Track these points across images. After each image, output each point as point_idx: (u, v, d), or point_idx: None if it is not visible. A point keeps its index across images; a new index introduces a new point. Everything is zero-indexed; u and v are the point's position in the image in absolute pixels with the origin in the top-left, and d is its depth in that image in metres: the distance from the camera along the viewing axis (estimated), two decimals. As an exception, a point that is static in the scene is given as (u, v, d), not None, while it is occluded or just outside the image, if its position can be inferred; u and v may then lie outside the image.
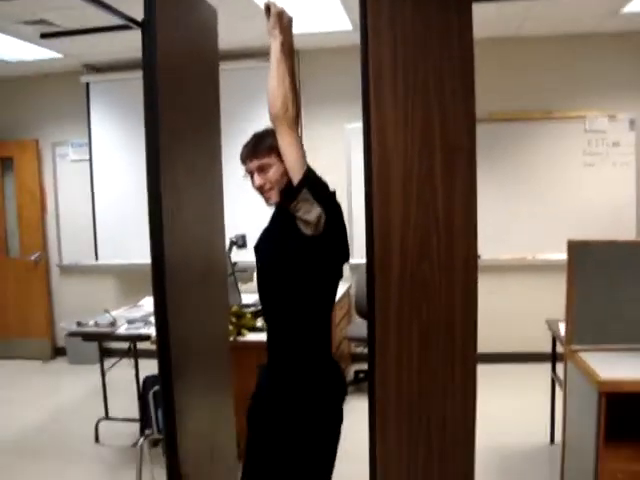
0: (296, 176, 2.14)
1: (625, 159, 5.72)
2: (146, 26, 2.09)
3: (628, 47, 5.66)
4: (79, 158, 6.68)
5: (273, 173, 2.23)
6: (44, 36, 3.13)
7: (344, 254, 2.31)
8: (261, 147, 2.25)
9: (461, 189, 1.92)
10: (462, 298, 1.96)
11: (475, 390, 2.02)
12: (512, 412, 4.72)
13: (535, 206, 5.81)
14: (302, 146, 2.22)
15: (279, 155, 2.20)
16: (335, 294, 2.35)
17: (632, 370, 2.82)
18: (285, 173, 2.21)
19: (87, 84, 6.45)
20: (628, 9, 4.82)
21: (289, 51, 2.30)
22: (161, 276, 2.19)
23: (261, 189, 2.26)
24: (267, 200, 2.29)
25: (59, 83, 6.65)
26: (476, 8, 4.40)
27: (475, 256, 1.95)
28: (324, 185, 2.22)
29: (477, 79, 5.74)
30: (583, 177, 5.75)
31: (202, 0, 2.52)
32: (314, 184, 2.15)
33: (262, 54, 5.79)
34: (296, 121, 2.25)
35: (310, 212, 2.10)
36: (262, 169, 2.24)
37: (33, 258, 6.83)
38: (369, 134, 1.92)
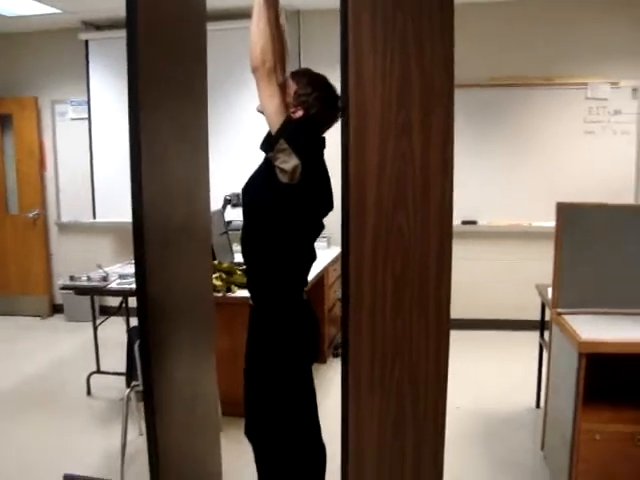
0: (274, 127, 2.17)
1: (626, 127, 5.66)
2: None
3: (634, 13, 5.56)
4: (78, 116, 6.67)
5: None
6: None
7: (326, 204, 2.37)
8: (294, 73, 2.40)
9: (438, 139, 1.90)
10: (437, 249, 1.95)
11: (448, 343, 2.03)
12: (501, 378, 4.76)
13: (533, 173, 5.77)
14: (283, 97, 2.23)
15: (296, 86, 2.31)
16: (312, 242, 2.48)
17: (614, 332, 2.83)
18: (282, 99, 2.27)
19: (86, 41, 6.41)
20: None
21: (273, 0, 2.29)
22: (140, 227, 2.19)
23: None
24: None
25: (58, 40, 6.60)
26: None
27: (450, 209, 1.94)
28: (305, 136, 2.23)
29: (479, 43, 5.74)
30: (583, 145, 5.70)
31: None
32: (293, 135, 2.18)
33: (246, 15, 5.75)
34: (280, 70, 2.26)
35: (287, 162, 2.16)
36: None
37: (32, 215, 6.86)
38: (347, 84, 1.90)
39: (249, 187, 2.43)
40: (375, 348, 2.01)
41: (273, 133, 2.20)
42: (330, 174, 2.41)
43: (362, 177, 1.91)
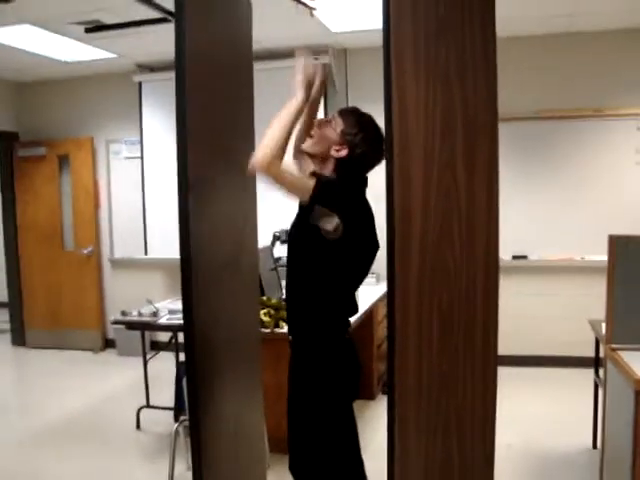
0: (306, 199, 2.20)
1: (680, 158, 5.52)
2: (176, 17, 2.13)
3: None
4: (131, 155, 6.88)
5: (324, 131, 2.35)
6: (88, 31, 3.23)
7: (371, 247, 2.38)
8: (347, 110, 2.40)
9: (482, 174, 1.89)
10: (483, 286, 1.93)
11: (495, 382, 1.99)
12: (556, 416, 4.62)
13: (585, 206, 5.66)
14: (298, 174, 2.36)
15: (342, 127, 2.32)
16: (358, 284, 2.49)
17: (672, 369, 2.72)
18: (326, 142, 2.33)
19: (139, 83, 6.64)
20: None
21: (312, 108, 2.45)
22: (188, 264, 2.24)
23: (312, 134, 2.40)
24: (305, 140, 2.42)
25: (113, 83, 6.85)
26: (521, 4, 4.36)
27: (496, 243, 1.92)
28: (340, 192, 2.26)
29: (526, 76, 5.70)
30: (635, 177, 5.57)
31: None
32: (325, 198, 2.19)
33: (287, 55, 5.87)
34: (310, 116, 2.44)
35: (328, 222, 2.18)
36: (329, 121, 2.37)
37: (86, 252, 7.04)
38: (390, 119, 1.91)
39: (293, 237, 2.46)
40: (421, 387, 1.99)
41: (306, 202, 2.23)
42: (376, 209, 2.42)
43: (407, 211, 1.91)
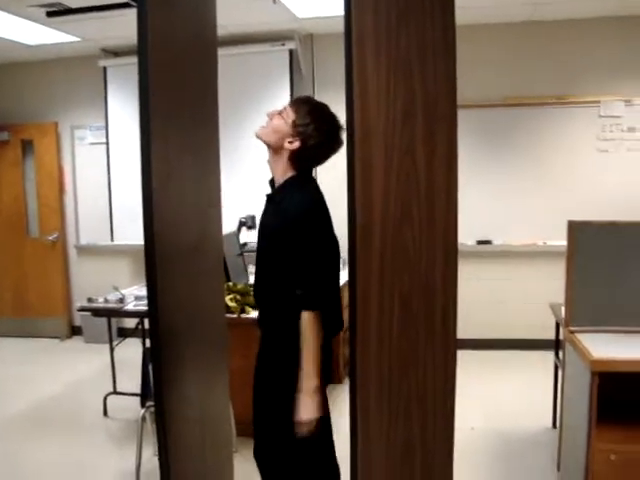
0: None
1: (641, 145, 5.65)
2: (138, 1, 2.12)
3: (644, 31, 5.58)
4: (97, 141, 6.81)
5: (276, 122, 2.37)
6: (50, 14, 3.19)
7: (334, 246, 2.42)
8: (298, 100, 2.43)
9: (442, 160, 1.93)
10: (442, 270, 1.97)
11: (455, 361, 2.03)
12: (517, 398, 4.73)
13: (548, 192, 5.76)
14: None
15: (293, 118, 2.33)
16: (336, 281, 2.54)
17: (627, 351, 2.81)
18: (280, 134, 2.34)
19: (104, 68, 6.55)
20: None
21: None
22: (152, 248, 2.24)
23: (268, 120, 2.42)
24: (259, 128, 2.44)
25: (78, 67, 6.75)
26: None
27: (455, 228, 1.96)
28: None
29: (490, 63, 5.77)
30: (597, 163, 5.70)
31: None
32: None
33: (261, 39, 5.86)
34: None
35: None
36: (281, 113, 2.38)
37: (51, 238, 6.97)
38: (352, 107, 1.93)
39: (262, 241, 2.54)
40: (382, 371, 2.02)
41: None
42: (339, 194, 2.44)
43: (368, 198, 1.94)
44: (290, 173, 2.40)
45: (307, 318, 2.26)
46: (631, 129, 5.65)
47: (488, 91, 5.67)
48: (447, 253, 1.98)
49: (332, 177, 2.46)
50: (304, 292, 2.27)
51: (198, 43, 2.64)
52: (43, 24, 5.23)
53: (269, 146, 2.41)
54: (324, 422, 2.53)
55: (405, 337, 2.02)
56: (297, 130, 2.32)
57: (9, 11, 4.91)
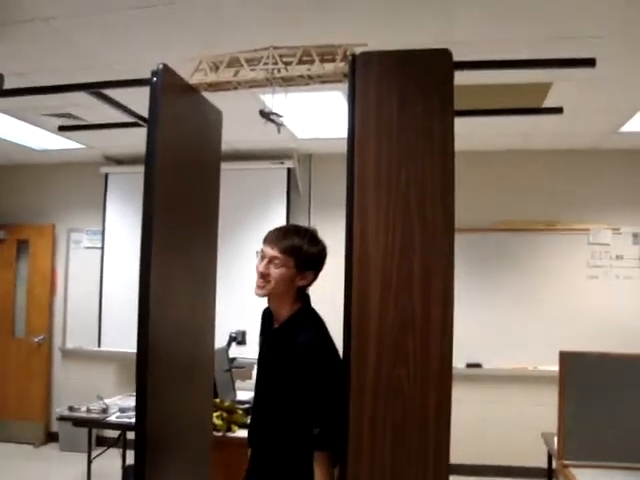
0: None
1: (629, 273, 5.75)
2: (149, 124, 2.22)
3: (629, 164, 5.82)
4: (92, 245, 6.85)
5: (279, 273, 2.32)
6: (62, 129, 3.31)
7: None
8: (283, 243, 2.34)
9: (438, 294, 1.96)
10: (435, 404, 1.96)
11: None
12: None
13: (538, 317, 5.79)
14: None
15: (295, 260, 2.31)
16: None
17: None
18: (288, 280, 2.33)
19: (106, 174, 6.71)
20: (626, 128, 5.00)
21: None
22: (143, 363, 2.22)
23: (262, 276, 2.34)
24: (259, 288, 2.37)
25: (80, 172, 6.91)
26: (481, 124, 4.62)
27: (450, 359, 1.96)
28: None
29: (482, 189, 5.93)
30: (587, 289, 5.77)
31: (208, 102, 2.66)
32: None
33: (262, 156, 6.04)
34: None
35: None
36: (272, 261, 2.33)
37: (37, 340, 6.86)
38: (351, 238, 1.99)
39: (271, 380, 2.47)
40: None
41: None
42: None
43: (363, 329, 1.96)
44: (297, 305, 2.40)
45: (322, 457, 2.22)
46: (619, 257, 5.77)
47: (478, 216, 5.81)
48: (441, 386, 1.98)
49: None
50: (321, 431, 2.23)
51: (203, 162, 2.73)
52: (52, 131, 5.42)
53: (277, 295, 2.40)
54: None
55: (398, 467, 1.99)
56: (304, 265, 2.34)
57: (22, 118, 5.11)
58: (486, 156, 5.91)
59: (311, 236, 2.41)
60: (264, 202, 6.07)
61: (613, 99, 4.35)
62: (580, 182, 5.88)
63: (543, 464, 4.03)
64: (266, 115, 2.54)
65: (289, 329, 2.37)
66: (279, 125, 2.58)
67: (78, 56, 3.70)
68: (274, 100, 2.53)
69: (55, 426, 6.67)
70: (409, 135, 2.01)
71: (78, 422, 4.25)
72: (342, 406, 2.08)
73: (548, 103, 4.27)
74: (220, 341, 4.38)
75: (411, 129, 2.03)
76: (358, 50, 2.13)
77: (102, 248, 6.68)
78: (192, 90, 2.48)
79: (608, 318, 5.66)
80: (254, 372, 2.58)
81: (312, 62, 2.30)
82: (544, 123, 4.96)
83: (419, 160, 1.98)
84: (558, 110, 2.73)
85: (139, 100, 2.46)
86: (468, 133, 4.87)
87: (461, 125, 2.06)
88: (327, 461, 2.21)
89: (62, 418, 4.33)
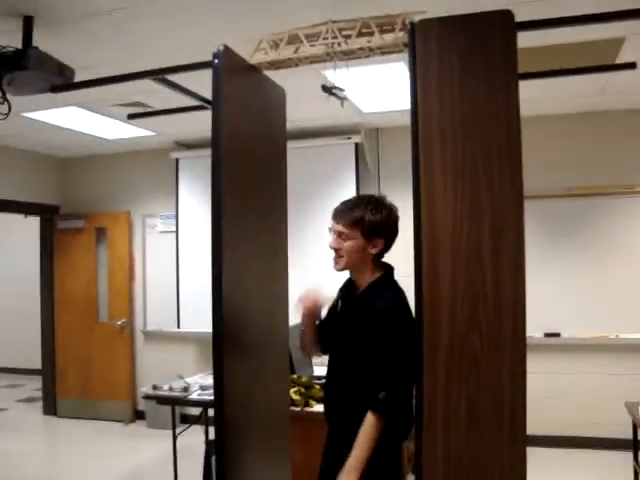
0: None
1: None
2: (213, 106, 2.25)
3: None
4: (167, 229, 7.05)
5: (349, 245, 2.39)
6: (131, 117, 3.41)
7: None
8: (347, 216, 2.41)
9: (509, 264, 1.93)
10: (510, 371, 1.94)
11: (524, 466, 1.96)
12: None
13: (619, 284, 5.57)
14: None
15: (361, 231, 2.36)
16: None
17: None
18: (360, 250, 2.38)
19: (177, 159, 6.87)
20: None
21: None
22: (220, 341, 2.28)
23: (335, 251, 2.44)
24: (335, 264, 2.47)
25: (151, 159, 7.11)
26: (552, 86, 4.44)
27: (523, 329, 1.93)
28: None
29: (556, 154, 5.72)
30: (669, 253, 5.52)
31: (270, 80, 2.67)
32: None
33: (328, 133, 6.06)
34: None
35: None
36: (341, 235, 2.40)
37: (119, 323, 7.14)
38: (419, 212, 1.98)
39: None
40: (449, 472, 1.97)
41: None
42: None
43: (435, 299, 1.95)
44: (377, 274, 2.45)
45: (377, 420, 2.25)
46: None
47: (554, 181, 5.64)
48: (515, 354, 1.95)
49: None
50: (387, 395, 2.25)
51: (269, 141, 2.76)
52: (122, 120, 5.58)
53: (354, 266, 2.46)
54: None
55: (472, 441, 1.98)
56: (371, 233, 2.37)
57: (93, 110, 5.30)
58: (559, 120, 5.71)
59: (374, 203, 2.43)
60: (333, 179, 6.08)
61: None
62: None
63: (625, 435, 3.91)
64: (328, 90, 2.54)
65: (368, 296, 2.42)
66: (342, 99, 2.58)
67: (141, 45, 3.80)
68: (336, 75, 2.53)
69: (141, 405, 6.96)
70: (473, 101, 1.97)
71: (162, 400, 4.42)
72: (411, 376, 2.10)
73: (621, 60, 4.07)
74: (295, 318, 4.45)
75: (475, 95, 1.99)
76: (417, 18, 2.10)
77: (176, 232, 6.87)
78: (254, 70, 2.50)
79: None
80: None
81: (371, 34, 2.28)
82: (617, 81, 4.74)
83: (484, 126, 1.94)
84: (631, 65, 2.61)
85: (204, 84, 2.50)
86: (536, 97, 4.73)
87: (529, 88, 2.01)
88: (380, 426, 2.24)
89: (147, 397, 4.50)
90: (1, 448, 6.16)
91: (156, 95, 4.67)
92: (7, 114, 3.45)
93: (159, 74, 2.65)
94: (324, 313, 2.68)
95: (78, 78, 3.36)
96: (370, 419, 2.27)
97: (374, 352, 2.32)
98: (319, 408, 3.87)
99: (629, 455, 3.92)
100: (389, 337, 2.29)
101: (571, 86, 4.89)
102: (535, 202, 5.40)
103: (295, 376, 3.99)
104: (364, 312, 2.39)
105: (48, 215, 7.46)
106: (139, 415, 7.07)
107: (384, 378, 2.29)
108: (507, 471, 1.98)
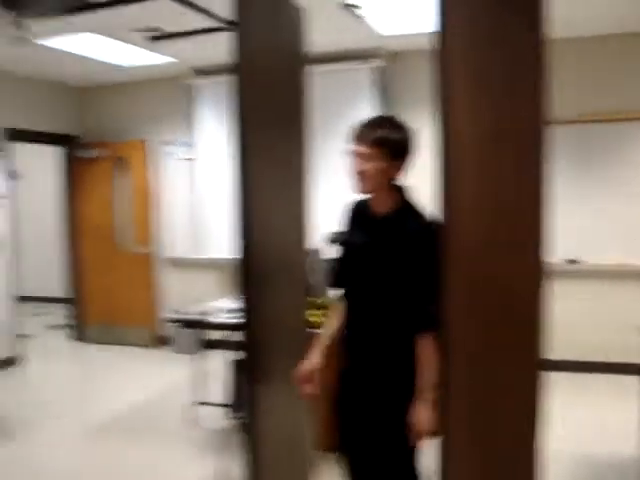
0: None
1: None
2: (231, 26, 2.23)
3: None
4: (184, 157, 7.05)
5: (372, 167, 2.30)
6: (155, 39, 3.34)
7: None
8: (368, 136, 2.31)
9: (531, 187, 1.90)
10: (529, 294, 1.95)
11: (541, 384, 2.00)
12: (604, 422, 4.56)
13: (636, 209, 5.53)
14: None
15: (384, 150, 2.28)
16: None
17: None
18: (383, 172, 2.31)
19: (194, 86, 6.82)
20: None
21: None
22: (247, 263, 2.33)
23: (358, 174, 2.35)
24: (359, 186, 2.37)
25: (169, 86, 7.06)
26: (571, 8, 4.26)
27: (544, 253, 1.94)
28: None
29: (575, 78, 5.55)
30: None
31: (287, 1, 2.62)
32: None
33: (346, 57, 5.99)
34: None
35: None
36: (363, 156, 2.31)
37: (140, 250, 7.25)
38: (441, 121, 1.95)
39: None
40: (470, 387, 2.02)
41: None
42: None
43: (457, 217, 1.95)
44: (397, 195, 2.40)
45: (432, 338, 2.24)
46: None
47: (577, 106, 5.52)
48: (535, 281, 1.96)
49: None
50: (434, 311, 2.25)
51: (288, 63, 2.73)
52: (140, 47, 5.52)
53: (375, 190, 2.39)
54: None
55: (492, 357, 2.02)
56: (395, 153, 2.32)
57: (111, 36, 5.23)
58: (583, 42, 5.54)
59: (394, 123, 2.38)
60: (352, 103, 6.01)
61: None
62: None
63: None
64: (349, 6, 2.48)
65: (398, 217, 2.37)
66: (358, 16, 2.51)
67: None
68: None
69: (166, 330, 7.13)
70: (497, 18, 1.91)
71: (186, 324, 4.52)
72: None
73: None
74: (315, 242, 4.47)
75: (499, 12, 1.93)
76: None
77: (194, 158, 6.89)
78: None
79: None
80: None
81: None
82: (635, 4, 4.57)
83: (507, 47, 1.90)
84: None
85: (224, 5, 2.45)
86: (557, 18, 4.58)
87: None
88: (436, 344, 2.20)
89: (171, 320, 4.61)
90: (38, 372, 6.44)
91: (173, 19, 4.59)
92: (22, 38, 3.34)
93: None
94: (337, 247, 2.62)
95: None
96: (426, 340, 2.27)
97: (410, 273, 2.30)
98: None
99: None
100: (425, 255, 2.26)
101: (590, 6, 4.71)
102: (560, 127, 5.29)
103: (312, 299, 4.04)
104: (394, 235, 2.34)
105: (67, 145, 7.48)
106: (163, 340, 7.25)
107: (424, 296, 2.27)
108: (526, 391, 2.01)
